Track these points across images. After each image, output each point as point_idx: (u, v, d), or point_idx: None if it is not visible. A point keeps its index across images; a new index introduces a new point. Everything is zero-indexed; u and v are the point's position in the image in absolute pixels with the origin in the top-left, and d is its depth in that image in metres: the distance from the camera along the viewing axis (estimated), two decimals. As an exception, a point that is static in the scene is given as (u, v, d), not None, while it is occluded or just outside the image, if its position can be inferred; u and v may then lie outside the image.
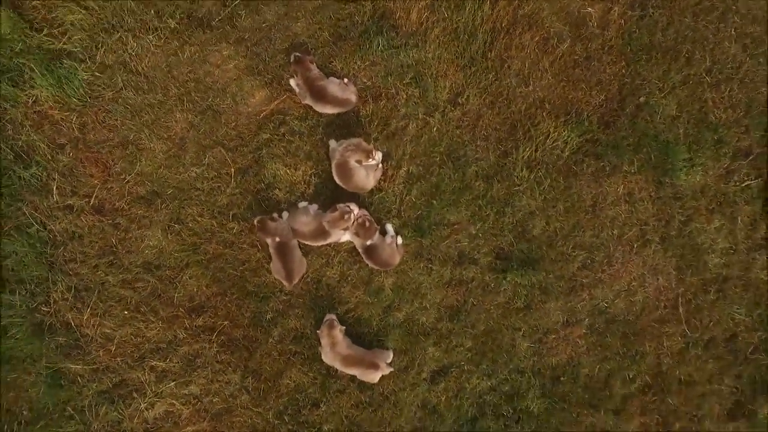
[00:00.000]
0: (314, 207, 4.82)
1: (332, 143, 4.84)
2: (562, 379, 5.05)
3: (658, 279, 5.11)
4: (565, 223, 5.06)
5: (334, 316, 4.83)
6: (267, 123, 4.93)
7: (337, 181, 4.78)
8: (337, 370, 4.86)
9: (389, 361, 4.84)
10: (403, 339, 4.97)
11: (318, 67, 4.83)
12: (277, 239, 4.63)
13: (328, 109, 4.85)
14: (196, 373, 4.85)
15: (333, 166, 4.75)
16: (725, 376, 5.13)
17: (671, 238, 5.10)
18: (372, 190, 4.90)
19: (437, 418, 4.99)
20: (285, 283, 4.77)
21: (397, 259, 4.86)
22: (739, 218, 5.12)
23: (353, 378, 4.86)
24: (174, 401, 4.81)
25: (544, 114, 5.04)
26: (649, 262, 5.10)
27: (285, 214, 4.77)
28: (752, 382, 5.14)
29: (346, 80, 4.85)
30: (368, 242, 4.73)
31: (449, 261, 4.99)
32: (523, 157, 5.01)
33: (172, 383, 4.83)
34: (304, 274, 4.84)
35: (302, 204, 4.85)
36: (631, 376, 5.07)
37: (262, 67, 4.93)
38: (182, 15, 4.85)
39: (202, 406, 4.86)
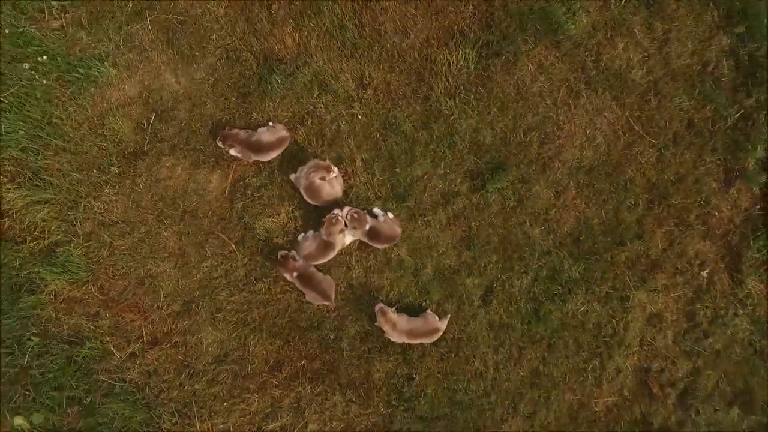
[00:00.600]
0: (310, 232, 5.44)
1: (293, 176, 5.45)
2: (581, 238, 5.62)
3: (604, 116, 5.64)
4: (506, 120, 5.61)
5: (381, 304, 5.43)
6: (234, 194, 5.54)
7: (311, 202, 5.38)
8: (408, 344, 5.50)
9: (444, 324, 5.47)
10: (442, 287, 5.57)
11: (243, 128, 5.45)
12: (296, 274, 5.26)
13: (272, 154, 5.45)
14: (306, 414, 5.49)
15: (303, 192, 5.36)
16: (704, 156, 5.65)
17: (594, 79, 5.63)
18: (343, 193, 5.50)
19: (507, 329, 5.59)
20: (326, 303, 5.40)
21: (398, 230, 5.46)
22: (635, 29, 5.64)
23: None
24: (306, 446, 5.51)
25: (435, 49, 5.60)
26: (589, 108, 5.63)
27: (293, 252, 5.40)
28: (727, 147, 5.67)
29: (270, 123, 5.46)
30: (366, 227, 5.33)
31: (438, 205, 5.58)
32: (441, 91, 5.57)
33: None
34: (336, 288, 5.46)
35: (300, 236, 5.47)
36: (632, 202, 5.62)
37: (202, 156, 5.53)
38: (118, 158, 5.48)
39: (327, 435, 5.55)
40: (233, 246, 5.51)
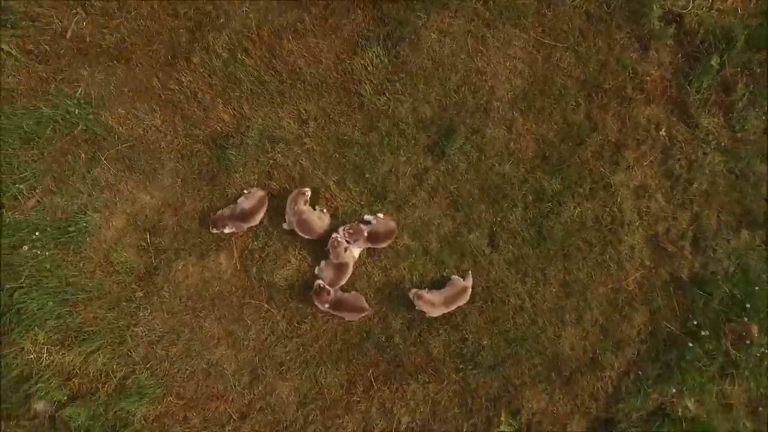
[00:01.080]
0: (323, 262, 5.98)
1: (285, 224, 5.99)
2: (546, 154, 6.13)
3: (515, 45, 6.16)
4: (435, 90, 6.13)
5: (414, 289, 5.96)
6: (245, 263, 6.07)
7: (308, 237, 5.93)
8: (449, 313, 6.04)
9: (469, 281, 6.02)
10: (453, 251, 6.11)
11: (225, 207, 6.00)
12: (327, 305, 5.82)
13: (259, 216, 5.99)
14: (395, 412, 6.03)
15: (297, 230, 5.89)
16: (613, 36, 6.16)
17: (491, 19, 6.14)
18: (331, 219, 6.03)
19: (523, 260, 6.09)
20: (365, 313, 5.95)
21: (393, 224, 5.98)
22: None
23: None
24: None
25: (348, 61, 6.12)
26: (499, 44, 6.15)
27: (327, 286, 5.92)
28: (629, 19, 6.14)
29: (245, 191, 6.00)
30: (365, 234, 5.85)
31: (415, 187, 6.12)
32: (370, 93, 6.08)
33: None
34: (366, 296, 6.01)
35: (316, 270, 6.01)
36: (574, 104, 6.14)
37: (204, 246, 6.06)
38: (137, 283, 6.01)
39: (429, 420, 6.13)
40: (266, 306, 6.05)
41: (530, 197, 6.12)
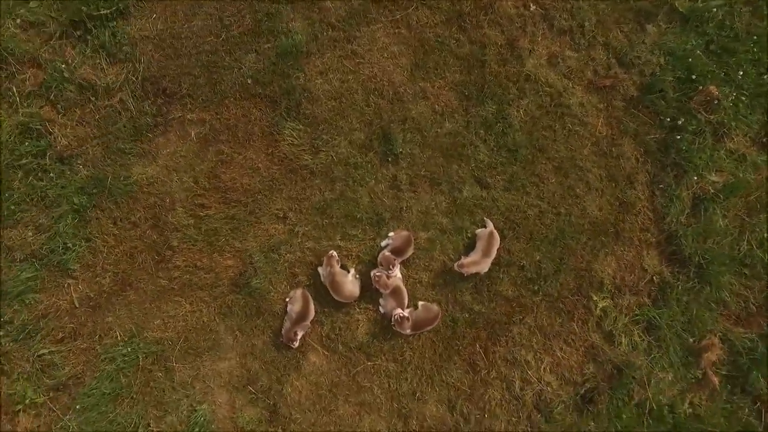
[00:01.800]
0: (380, 300, 6.65)
1: (324, 277, 6.64)
2: (466, 93, 6.78)
3: (384, 43, 6.77)
4: (353, 117, 6.79)
5: (455, 264, 6.58)
6: (331, 348, 6.70)
7: (341, 299, 6.59)
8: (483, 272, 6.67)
9: (489, 224, 6.65)
10: (465, 215, 6.71)
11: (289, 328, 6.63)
12: (409, 330, 6.53)
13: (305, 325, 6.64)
14: (524, 356, 6.69)
15: (332, 292, 6.55)
16: None
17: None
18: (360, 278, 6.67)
19: (517, 176, 6.73)
20: (439, 315, 6.60)
21: (405, 233, 6.59)
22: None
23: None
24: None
25: (277, 161, 6.77)
26: (374, 49, 6.78)
27: (405, 314, 6.52)
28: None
29: (287, 299, 6.68)
30: (393, 259, 6.49)
31: (398, 190, 6.74)
32: (317, 166, 6.72)
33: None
34: (431, 300, 6.68)
35: (380, 308, 6.66)
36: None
37: (293, 363, 6.81)
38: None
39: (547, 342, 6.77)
40: (369, 363, 6.73)
41: (481, 131, 6.74)
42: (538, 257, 6.72)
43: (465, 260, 6.54)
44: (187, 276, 6.74)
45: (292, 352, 6.69)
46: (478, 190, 6.74)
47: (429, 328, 6.63)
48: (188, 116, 6.79)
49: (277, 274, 6.73)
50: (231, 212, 6.74)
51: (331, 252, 6.59)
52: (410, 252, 6.66)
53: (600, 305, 6.64)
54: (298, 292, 6.63)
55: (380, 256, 6.54)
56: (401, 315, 6.48)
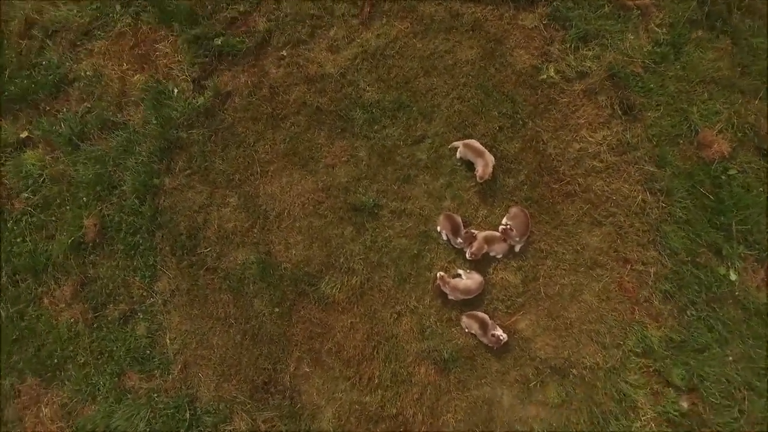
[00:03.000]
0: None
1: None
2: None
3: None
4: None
5: (501, 228, 6.67)
6: (445, 371, 6.66)
7: (473, 296, 6.60)
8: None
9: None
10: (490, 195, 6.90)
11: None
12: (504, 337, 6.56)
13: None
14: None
15: (462, 297, 6.58)
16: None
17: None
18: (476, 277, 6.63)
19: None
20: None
21: (473, 234, 6.66)
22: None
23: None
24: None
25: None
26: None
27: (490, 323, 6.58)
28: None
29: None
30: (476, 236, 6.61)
31: (402, 207, 6.94)
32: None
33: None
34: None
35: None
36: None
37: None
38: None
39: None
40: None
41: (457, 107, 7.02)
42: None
43: (508, 229, 6.63)
44: None
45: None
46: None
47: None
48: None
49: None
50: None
51: (439, 274, 6.63)
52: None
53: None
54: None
55: (466, 235, 6.64)
56: (489, 325, 6.55)
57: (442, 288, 6.64)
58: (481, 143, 6.81)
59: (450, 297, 6.67)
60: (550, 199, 6.82)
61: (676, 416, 6.35)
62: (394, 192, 6.98)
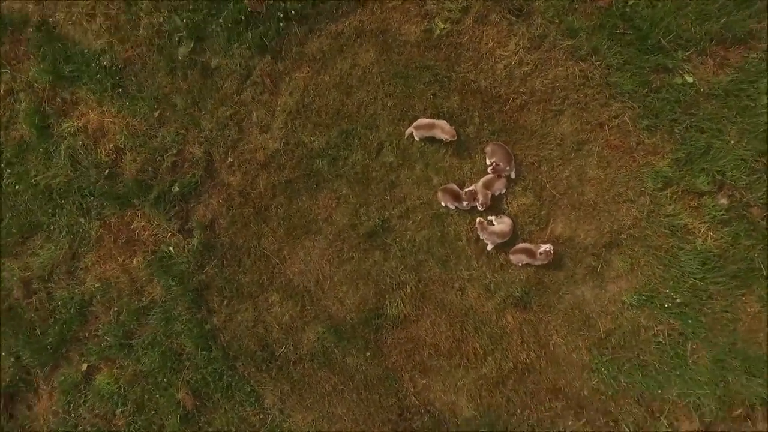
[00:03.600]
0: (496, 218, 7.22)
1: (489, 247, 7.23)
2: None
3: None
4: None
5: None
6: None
7: (508, 238, 7.10)
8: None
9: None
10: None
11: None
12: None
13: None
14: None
15: (498, 241, 7.08)
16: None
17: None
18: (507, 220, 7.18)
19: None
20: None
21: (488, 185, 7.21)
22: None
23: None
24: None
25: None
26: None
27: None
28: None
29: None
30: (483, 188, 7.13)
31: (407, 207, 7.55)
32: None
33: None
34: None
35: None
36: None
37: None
38: None
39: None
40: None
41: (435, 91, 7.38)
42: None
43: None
44: None
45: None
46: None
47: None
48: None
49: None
50: None
51: (478, 219, 7.10)
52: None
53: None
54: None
55: (472, 192, 7.13)
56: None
57: (479, 234, 7.15)
58: (428, 117, 7.30)
59: (488, 243, 7.19)
60: (510, 119, 7.27)
61: (724, 215, 6.87)
62: (389, 202, 7.48)
